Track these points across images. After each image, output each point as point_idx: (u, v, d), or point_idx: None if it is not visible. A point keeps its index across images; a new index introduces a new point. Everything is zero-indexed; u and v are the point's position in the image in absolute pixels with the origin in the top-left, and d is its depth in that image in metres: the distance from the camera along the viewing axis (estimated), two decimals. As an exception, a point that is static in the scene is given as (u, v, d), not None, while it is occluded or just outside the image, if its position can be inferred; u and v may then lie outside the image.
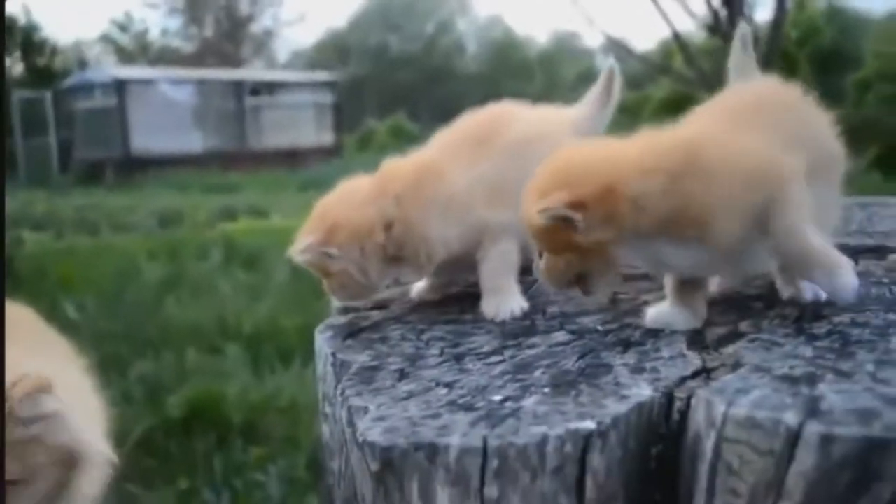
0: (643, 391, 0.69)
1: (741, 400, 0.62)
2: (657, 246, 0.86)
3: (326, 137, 18.76)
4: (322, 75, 20.19)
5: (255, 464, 2.91)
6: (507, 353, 0.89)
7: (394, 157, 1.11)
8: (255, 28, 26.75)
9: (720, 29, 8.02)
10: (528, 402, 0.70)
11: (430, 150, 1.12)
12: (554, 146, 0.99)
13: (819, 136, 0.98)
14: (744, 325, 0.93)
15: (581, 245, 0.85)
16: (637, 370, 0.75)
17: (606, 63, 1.23)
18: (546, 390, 0.72)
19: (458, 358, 0.89)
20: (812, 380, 0.67)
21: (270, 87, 18.62)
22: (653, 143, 0.89)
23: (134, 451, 2.79)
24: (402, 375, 0.85)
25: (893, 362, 0.74)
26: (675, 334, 0.88)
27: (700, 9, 8.49)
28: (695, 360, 0.76)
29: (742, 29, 1.14)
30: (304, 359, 3.94)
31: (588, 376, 0.75)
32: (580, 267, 0.89)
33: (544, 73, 35.45)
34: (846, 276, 0.88)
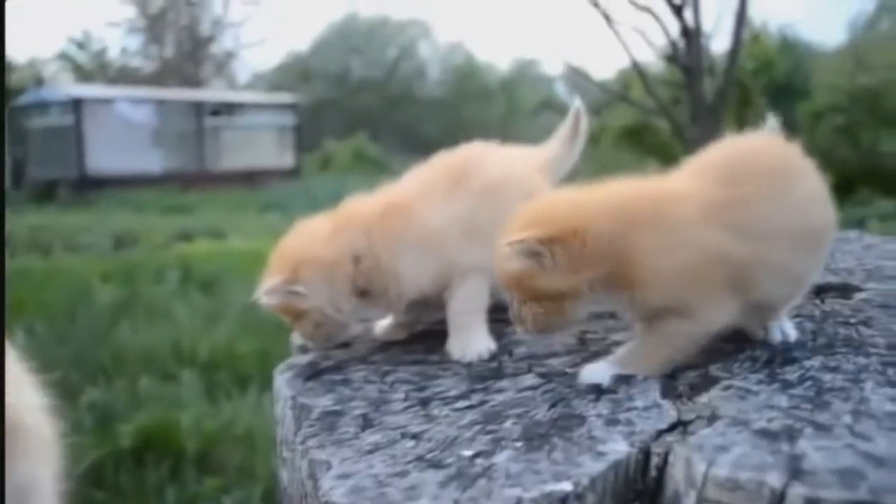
0: (619, 446, 0.66)
1: (722, 458, 0.60)
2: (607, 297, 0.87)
3: (287, 159, 18.63)
4: (283, 97, 20.07)
5: (209, 495, 2.83)
6: (475, 398, 0.86)
7: (358, 194, 1.08)
8: (216, 49, 26.57)
9: (678, 59, 8.16)
10: (501, 458, 0.67)
11: (400, 186, 1.10)
12: (526, 188, 0.97)
13: (807, 203, 0.94)
14: (714, 369, 0.91)
15: (550, 291, 0.84)
16: (611, 422, 0.73)
17: (574, 103, 1.22)
18: (518, 444, 0.69)
19: (424, 403, 0.86)
20: (791, 434, 0.66)
21: (231, 108, 18.46)
22: (621, 191, 0.89)
23: (83, 482, 2.69)
24: (366, 423, 0.81)
25: (869, 413, 0.73)
26: (649, 380, 0.86)
27: (659, 39, 8.66)
28: (669, 412, 0.74)
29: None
30: (262, 385, 3.86)
31: (561, 428, 0.72)
32: (554, 315, 0.87)
33: (505, 99, 35.69)
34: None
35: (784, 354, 0.95)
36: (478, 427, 0.75)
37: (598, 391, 0.82)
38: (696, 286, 0.85)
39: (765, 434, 0.66)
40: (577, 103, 1.22)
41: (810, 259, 0.96)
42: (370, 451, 0.71)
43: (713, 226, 0.86)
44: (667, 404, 0.76)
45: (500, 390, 0.88)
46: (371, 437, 0.75)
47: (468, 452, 0.68)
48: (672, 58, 8.22)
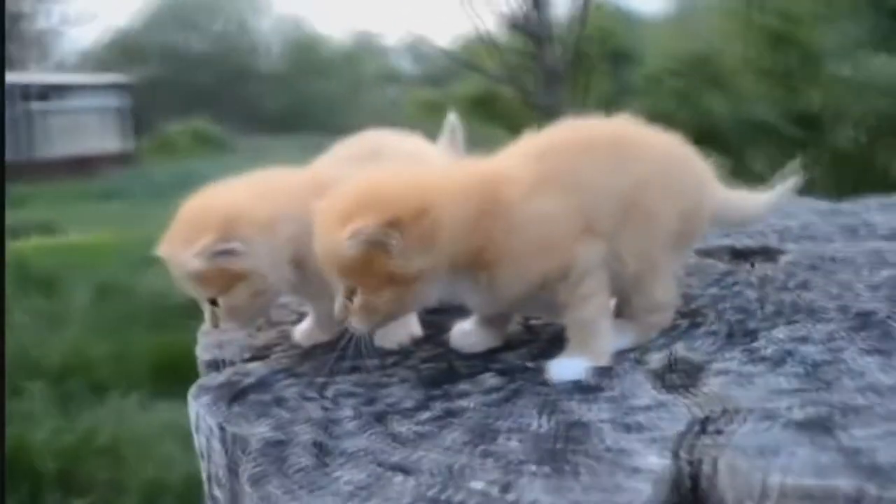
0: (651, 459, 0.57)
1: (775, 463, 0.53)
2: (457, 281, 0.80)
3: (121, 143, 17.52)
4: (114, 77, 18.80)
5: (79, 516, 2.59)
6: (438, 407, 0.76)
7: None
8: (40, 27, 24.48)
9: (526, 27, 8.26)
10: (526, 489, 0.56)
11: (314, 169, 0.98)
12: None
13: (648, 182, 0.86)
14: (680, 349, 0.85)
15: (397, 276, 0.76)
16: (621, 426, 0.64)
17: (448, 119, 1.18)
18: (534, 468, 0.59)
19: (379, 418, 0.75)
20: (825, 425, 0.59)
21: (58, 91, 17.08)
22: (464, 171, 0.83)
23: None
24: (322, 451, 0.69)
25: (876, 389, 0.68)
26: (625, 367, 0.78)
27: (504, 7, 8.70)
28: (680, 409, 0.66)
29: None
30: (124, 390, 3.58)
31: (571, 440, 0.63)
32: (395, 302, 0.79)
33: (347, 73, 35.25)
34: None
35: (740, 325, 0.91)
36: (470, 448, 0.64)
37: (580, 388, 0.74)
38: (554, 249, 0.80)
39: (800, 427, 0.59)
40: (450, 117, 1.18)
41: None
42: (356, 496, 0.58)
43: (547, 192, 0.81)
44: (671, 399, 0.68)
45: (462, 395, 0.78)
46: (343, 473, 0.62)
47: (479, 485, 0.57)
48: (520, 26, 8.30)
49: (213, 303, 0.87)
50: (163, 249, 0.87)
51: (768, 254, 1.22)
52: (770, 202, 1.02)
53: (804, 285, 1.05)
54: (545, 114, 8.16)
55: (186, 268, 0.84)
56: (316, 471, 0.64)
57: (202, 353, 0.98)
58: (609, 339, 0.83)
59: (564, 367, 0.80)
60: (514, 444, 0.63)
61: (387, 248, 0.74)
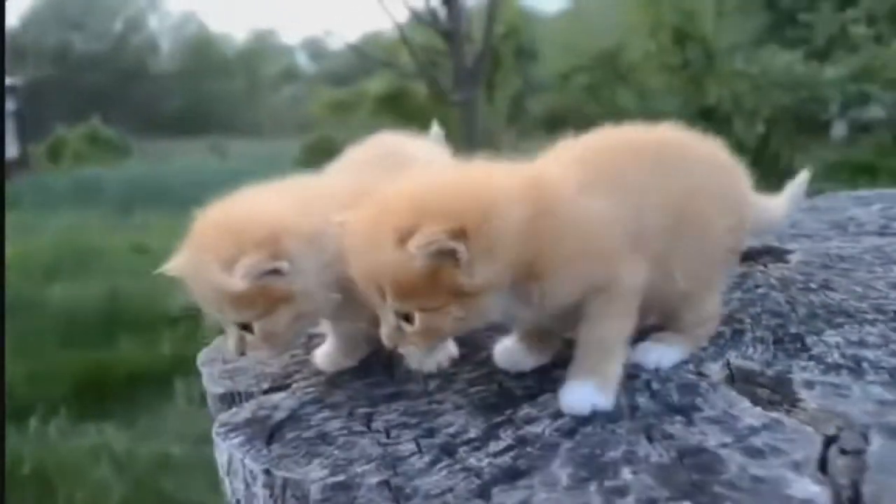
0: (807, 487, 0.53)
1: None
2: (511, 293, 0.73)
3: (10, 149, 16.62)
4: (-3, 79, 17.79)
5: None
6: (506, 436, 0.70)
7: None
8: None
9: (439, 24, 8.21)
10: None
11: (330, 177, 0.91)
12: None
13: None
14: (734, 357, 0.82)
15: (463, 290, 0.69)
16: (747, 451, 0.60)
17: (432, 128, 1.14)
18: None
19: (449, 452, 0.69)
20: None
21: (-66, 95, 16.06)
22: (512, 174, 0.75)
23: None
24: (398, 493, 0.62)
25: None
26: (699, 382, 0.74)
27: (417, 4, 8.63)
28: (799, 428, 0.62)
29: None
30: (45, 413, 3.37)
31: (702, 471, 0.58)
32: (463, 322, 0.71)
33: (244, 72, 34.46)
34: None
35: (782, 330, 0.89)
36: (594, 486, 0.58)
37: (672, 408, 0.69)
38: (601, 258, 0.74)
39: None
40: (434, 128, 1.13)
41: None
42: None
43: (596, 196, 0.75)
44: (778, 416, 0.65)
45: (529, 420, 0.72)
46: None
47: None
48: (430, 22, 8.25)
49: (245, 328, 0.79)
50: (182, 267, 0.78)
51: (775, 253, 1.21)
52: (789, 205, 1.00)
53: (826, 285, 1.03)
54: (460, 110, 8.17)
55: (225, 288, 0.74)
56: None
57: (212, 385, 0.89)
58: (620, 365, 0.76)
59: (576, 397, 0.73)
60: (639, 477, 0.58)
61: (456, 259, 0.67)
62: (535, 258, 0.71)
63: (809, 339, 0.85)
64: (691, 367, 0.80)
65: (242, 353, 0.80)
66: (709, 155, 0.84)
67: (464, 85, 7.99)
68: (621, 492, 0.57)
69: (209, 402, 0.89)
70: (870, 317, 0.90)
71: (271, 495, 0.70)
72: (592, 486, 0.58)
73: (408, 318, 0.72)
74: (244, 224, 0.76)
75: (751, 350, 0.84)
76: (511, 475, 0.64)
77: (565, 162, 0.79)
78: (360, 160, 0.94)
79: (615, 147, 0.81)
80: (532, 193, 0.72)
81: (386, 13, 8.23)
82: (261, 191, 0.82)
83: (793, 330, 0.89)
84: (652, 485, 0.57)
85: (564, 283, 0.73)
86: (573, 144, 0.82)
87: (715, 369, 0.80)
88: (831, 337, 0.85)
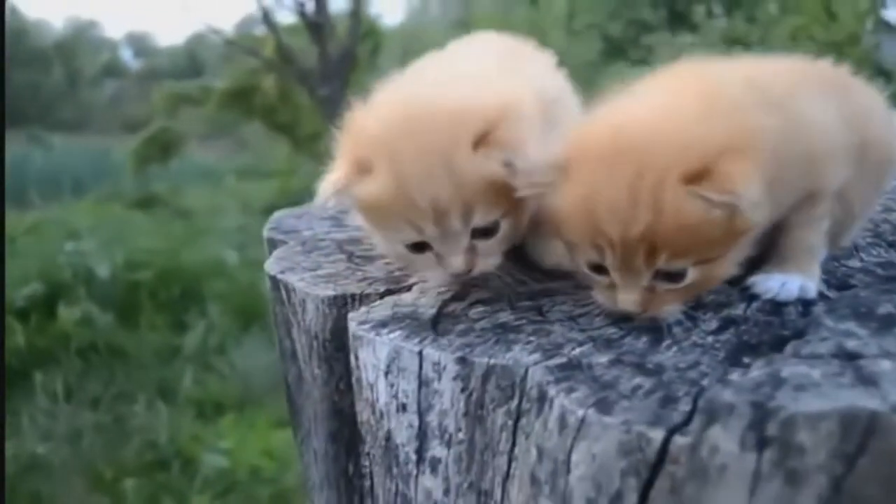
0: None
1: None
2: None
3: None
4: None
5: None
6: (708, 318, 0.65)
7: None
8: None
9: (307, 17, 8.03)
10: None
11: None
12: None
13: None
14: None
15: (741, 233, 0.63)
16: None
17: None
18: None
19: (658, 335, 0.62)
20: None
21: None
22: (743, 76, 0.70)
23: None
24: (643, 373, 0.56)
25: None
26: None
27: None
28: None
29: None
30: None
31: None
32: (732, 267, 0.67)
33: (62, 64, 32.24)
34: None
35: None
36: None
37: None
38: (831, 158, 0.72)
39: None
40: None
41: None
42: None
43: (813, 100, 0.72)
44: None
45: (719, 306, 0.68)
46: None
47: None
48: (300, 13, 8.04)
49: (486, 233, 0.69)
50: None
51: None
52: None
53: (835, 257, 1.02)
54: (328, 106, 7.99)
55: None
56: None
57: (313, 289, 0.76)
58: (819, 265, 0.74)
59: (782, 283, 0.70)
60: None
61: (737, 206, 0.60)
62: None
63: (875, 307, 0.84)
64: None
65: (470, 270, 0.70)
66: (866, 85, 0.83)
67: (329, 79, 7.84)
68: None
69: (319, 306, 0.75)
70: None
71: (464, 389, 0.61)
72: None
73: (670, 277, 0.63)
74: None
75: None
76: (750, 348, 0.59)
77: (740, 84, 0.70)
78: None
79: (784, 71, 0.76)
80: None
81: (254, 2, 7.89)
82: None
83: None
84: None
85: (791, 192, 0.69)
86: (728, 72, 0.72)
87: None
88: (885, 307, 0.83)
